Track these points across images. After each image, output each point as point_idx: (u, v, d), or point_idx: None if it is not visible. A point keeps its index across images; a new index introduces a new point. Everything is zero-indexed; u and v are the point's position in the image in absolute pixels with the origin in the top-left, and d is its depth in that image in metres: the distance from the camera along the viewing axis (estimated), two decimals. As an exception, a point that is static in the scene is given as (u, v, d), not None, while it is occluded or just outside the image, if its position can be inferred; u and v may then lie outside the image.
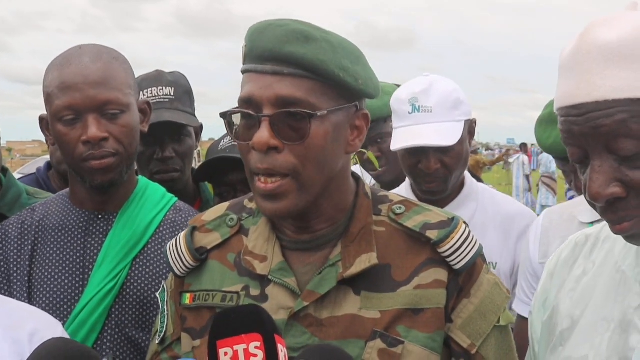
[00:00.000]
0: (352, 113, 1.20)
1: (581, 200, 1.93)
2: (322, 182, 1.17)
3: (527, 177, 16.16)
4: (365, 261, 1.19)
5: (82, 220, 1.66)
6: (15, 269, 1.62)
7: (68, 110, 1.54)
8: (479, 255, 1.23)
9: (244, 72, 1.18)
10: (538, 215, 2.12)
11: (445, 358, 1.21)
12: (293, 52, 1.12)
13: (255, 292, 1.23)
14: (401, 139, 2.02)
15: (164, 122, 2.15)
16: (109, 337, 1.57)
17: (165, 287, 1.37)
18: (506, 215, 2.13)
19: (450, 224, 1.22)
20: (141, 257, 1.63)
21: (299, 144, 1.12)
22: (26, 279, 1.60)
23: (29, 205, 1.77)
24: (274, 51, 1.13)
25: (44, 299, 1.58)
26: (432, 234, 1.21)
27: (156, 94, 2.25)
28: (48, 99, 1.59)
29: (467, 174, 2.17)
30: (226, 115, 1.18)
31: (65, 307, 1.58)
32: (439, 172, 2.01)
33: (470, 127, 2.08)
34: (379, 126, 2.44)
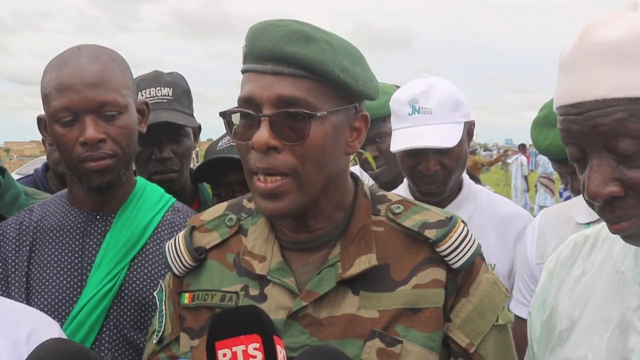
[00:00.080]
0: (351, 114, 1.20)
1: (577, 201, 1.93)
2: (321, 182, 1.17)
3: (525, 177, 16.17)
4: (365, 262, 1.19)
5: (80, 221, 1.66)
6: (13, 269, 1.61)
7: (65, 111, 1.54)
8: (478, 254, 1.24)
9: (243, 71, 1.18)
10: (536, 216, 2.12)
11: (444, 357, 1.21)
12: (293, 52, 1.12)
13: (254, 292, 1.23)
14: (401, 140, 2.02)
15: (162, 123, 2.15)
16: (107, 338, 1.57)
17: (163, 286, 1.37)
18: (504, 216, 2.13)
19: (449, 223, 1.22)
20: (139, 258, 1.63)
21: (298, 144, 1.12)
22: (24, 279, 1.60)
23: (27, 206, 1.76)
24: (274, 51, 1.13)
25: (42, 299, 1.58)
26: (431, 233, 1.21)
27: (154, 95, 2.25)
28: (45, 99, 1.58)
29: (465, 175, 2.17)
30: (226, 115, 1.18)
31: (64, 308, 1.57)
32: (439, 174, 2.01)
33: (469, 129, 2.09)
34: (378, 126, 2.44)
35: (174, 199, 1.78)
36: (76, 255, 1.62)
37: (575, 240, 1.24)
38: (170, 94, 2.27)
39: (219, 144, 2.27)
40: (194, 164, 2.63)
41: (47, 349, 1.07)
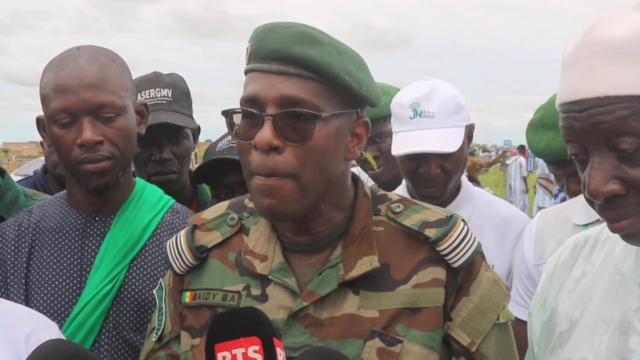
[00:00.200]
0: (353, 119, 1.20)
1: (575, 202, 1.93)
2: (321, 185, 1.17)
3: (524, 179, 16.15)
4: (367, 264, 1.19)
5: (79, 222, 1.66)
6: (12, 271, 1.61)
7: (63, 112, 1.54)
8: (478, 253, 1.23)
9: (247, 71, 1.18)
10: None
11: (445, 356, 1.21)
12: (300, 53, 1.12)
13: (256, 291, 1.22)
14: (403, 144, 2.01)
15: (161, 124, 2.15)
16: (106, 340, 1.57)
17: (162, 284, 1.37)
18: (502, 218, 2.13)
19: (449, 222, 1.22)
20: (139, 260, 1.63)
21: (301, 144, 1.12)
22: (23, 281, 1.60)
23: (27, 207, 1.76)
24: (281, 51, 1.13)
25: (41, 301, 1.57)
26: (431, 232, 1.21)
27: (154, 96, 2.24)
28: (44, 100, 1.58)
29: (463, 177, 2.17)
30: (228, 114, 1.18)
31: (63, 309, 1.57)
32: (439, 177, 2.01)
33: (469, 132, 2.09)
34: (378, 126, 2.44)
35: (173, 200, 1.77)
36: (75, 256, 1.62)
37: (576, 241, 1.24)
38: (170, 95, 2.26)
39: (218, 145, 2.26)
40: (192, 165, 2.63)
41: (47, 350, 1.07)
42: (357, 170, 2.59)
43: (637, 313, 1.05)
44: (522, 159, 16.55)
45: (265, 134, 1.11)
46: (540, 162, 14.95)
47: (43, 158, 3.10)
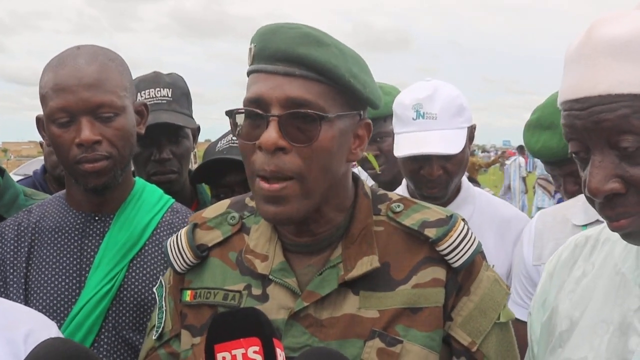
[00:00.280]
0: (356, 121, 1.20)
1: (574, 203, 1.93)
2: (324, 187, 1.17)
3: (523, 179, 16.15)
4: (367, 264, 1.19)
5: (78, 222, 1.65)
6: (11, 270, 1.61)
7: (62, 112, 1.54)
8: (478, 252, 1.23)
9: (251, 72, 1.18)
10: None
11: (446, 356, 1.21)
12: (306, 54, 1.12)
13: (257, 291, 1.22)
14: (406, 145, 2.01)
15: (161, 124, 2.15)
16: (106, 340, 1.56)
17: (163, 282, 1.36)
18: (502, 218, 2.13)
19: (449, 221, 1.22)
20: (138, 259, 1.63)
21: (306, 145, 1.12)
22: (22, 281, 1.59)
23: (26, 207, 1.76)
24: (287, 52, 1.13)
25: (40, 301, 1.57)
26: (431, 232, 1.21)
27: (154, 96, 2.24)
28: (43, 100, 1.58)
29: (463, 177, 2.17)
30: (232, 114, 1.18)
31: (62, 309, 1.57)
32: (441, 178, 2.01)
33: (471, 133, 2.09)
34: (379, 125, 2.44)
35: (173, 200, 1.77)
36: (75, 256, 1.62)
37: (576, 241, 1.24)
38: (170, 95, 2.26)
39: (218, 145, 2.26)
40: (192, 165, 2.63)
41: (46, 349, 1.06)
42: (357, 169, 2.59)
43: (637, 313, 1.04)
44: (521, 160, 16.55)
45: (271, 134, 1.11)
46: (540, 162, 14.94)
47: (42, 158, 3.11)
